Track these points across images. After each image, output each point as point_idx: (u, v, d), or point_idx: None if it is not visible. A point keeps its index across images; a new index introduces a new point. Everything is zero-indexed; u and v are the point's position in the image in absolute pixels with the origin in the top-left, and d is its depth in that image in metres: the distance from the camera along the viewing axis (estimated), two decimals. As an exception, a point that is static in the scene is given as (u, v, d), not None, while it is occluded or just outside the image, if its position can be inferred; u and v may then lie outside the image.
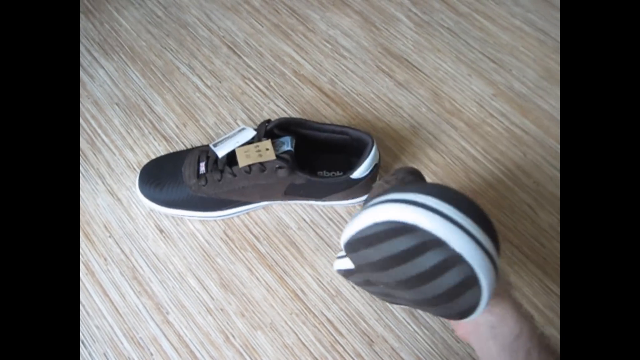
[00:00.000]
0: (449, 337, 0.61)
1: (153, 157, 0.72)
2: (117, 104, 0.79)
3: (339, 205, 0.69)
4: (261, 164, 0.61)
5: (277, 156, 0.61)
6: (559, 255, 0.65)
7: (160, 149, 0.74)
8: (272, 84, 0.80)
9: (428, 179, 0.71)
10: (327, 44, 0.84)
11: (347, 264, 0.45)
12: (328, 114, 0.77)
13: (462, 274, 0.35)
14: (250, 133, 0.64)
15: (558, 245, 0.66)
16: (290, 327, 0.62)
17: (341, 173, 0.66)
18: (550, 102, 0.78)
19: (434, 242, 0.34)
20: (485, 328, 0.44)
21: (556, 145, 0.74)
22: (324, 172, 0.68)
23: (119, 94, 0.80)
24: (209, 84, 0.80)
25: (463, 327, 0.48)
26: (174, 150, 0.73)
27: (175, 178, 0.66)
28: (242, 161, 0.61)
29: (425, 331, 0.61)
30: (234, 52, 0.84)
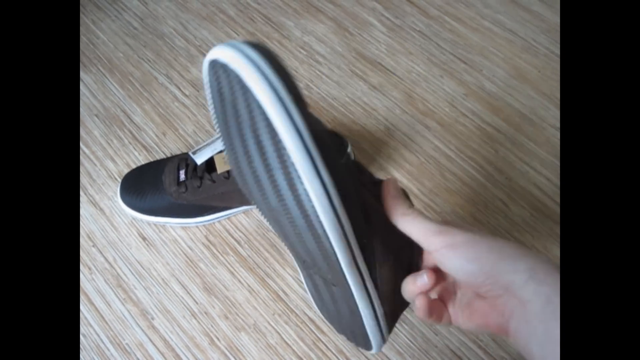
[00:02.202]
0: (427, 330, 0.63)
1: (134, 166, 0.73)
2: (96, 116, 0.80)
3: None
4: (239, 169, 0.62)
5: (254, 161, 0.62)
6: (530, 249, 0.68)
7: (141, 159, 0.75)
8: (249, 91, 0.82)
9: (403, 179, 0.73)
10: (302, 50, 0.86)
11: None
12: (305, 118, 0.79)
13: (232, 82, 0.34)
14: (228, 140, 0.65)
15: (530, 238, 0.69)
16: (273, 328, 0.63)
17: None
18: (520, 100, 0.80)
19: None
20: (539, 304, 0.33)
21: (526, 142, 0.76)
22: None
23: (98, 105, 0.81)
24: (187, 93, 0.82)
25: (496, 312, 0.37)
26: (154, 159, 0.74)
27: (156, 186, 0.67)
28: (220, 167, 0.63)
29: (405, 326, 0.63)
30: (211, 60, 0.85)
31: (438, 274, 0.41)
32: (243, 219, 0.70)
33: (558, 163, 0.73)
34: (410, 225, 0.40)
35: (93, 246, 0.69)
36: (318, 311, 0.55)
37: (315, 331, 0.63)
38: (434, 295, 0.44)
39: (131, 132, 0.78)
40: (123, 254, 0.68)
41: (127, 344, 0.63)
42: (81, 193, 0.73)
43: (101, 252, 0.69)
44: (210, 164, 0.65)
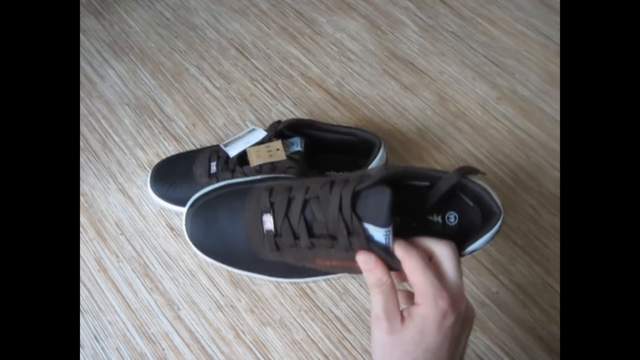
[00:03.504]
0: (454, 334, 0.62)
1: (163, 156, 0.73)
2: (127, 105, 0.80)
3: None
4: (272, 163, 0.62)
5: (287, 156, 0.62)
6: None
7: (171, 149, 0.75)
8: (279, 85, 0.82)
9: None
10: (334, 47, 0.86)
11: None
12: (335, 116, 0.79)
13: None
14: (261, 134, 0.65)
15: (560, 245, 0.68)
16: (299, 324, 0.63)
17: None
18: (553, 105, 0.79)
19: None
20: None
21: (558, 148, 0.75)
22: (332, 172, 0.69)
23: (129, 94, 0.81)
24: (217, 85, 0.82)
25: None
26: (184, 150, 0.74)
27: (186, 177, 0.67)
28: (254, 161, 0.62)
29: (431, 328, 0.63)
30: (242, 54, 0.85)
31: None
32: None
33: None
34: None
35: (121, 234, 0.69)
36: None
37: (341, 329, 0.63)
38: None
39: (161, 122, 0.78)
40: (151, 243, 0.69)
41: (152, 333, 0.63)
42: (110, 181, 0.73)
43: (129, 241, 0.69)
44: (241, 157, 0.65)
